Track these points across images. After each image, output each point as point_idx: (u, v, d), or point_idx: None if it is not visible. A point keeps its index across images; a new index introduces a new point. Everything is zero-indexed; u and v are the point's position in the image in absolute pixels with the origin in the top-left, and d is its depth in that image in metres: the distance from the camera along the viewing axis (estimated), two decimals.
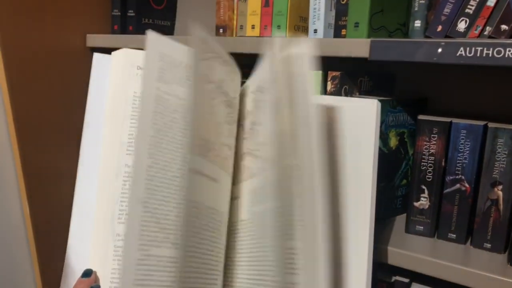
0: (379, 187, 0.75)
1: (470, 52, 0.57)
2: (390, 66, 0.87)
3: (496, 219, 0.65)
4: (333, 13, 0.73)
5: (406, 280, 0.72)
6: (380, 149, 0.73)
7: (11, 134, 0.91)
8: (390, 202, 0.78)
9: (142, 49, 0.94)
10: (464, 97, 0.81)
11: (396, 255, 0.66)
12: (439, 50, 0.58)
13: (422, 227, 0.71)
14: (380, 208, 0.77)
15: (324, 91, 0.73)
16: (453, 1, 0.63)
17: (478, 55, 0.56)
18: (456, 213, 0.69)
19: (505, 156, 0.64)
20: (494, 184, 0.65)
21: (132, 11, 1.00)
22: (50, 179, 0.98)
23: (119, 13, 1.01)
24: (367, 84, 0.78)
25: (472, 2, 0.61)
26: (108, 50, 1.03)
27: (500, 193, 0.65)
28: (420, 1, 0.69)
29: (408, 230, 0.72)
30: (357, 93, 0.75)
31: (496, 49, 0.55)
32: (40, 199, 0.96)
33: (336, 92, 0.72)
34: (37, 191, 0.95)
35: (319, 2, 0.72)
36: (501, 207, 0.65)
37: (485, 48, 0.56)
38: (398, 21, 0.73)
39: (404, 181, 0.80)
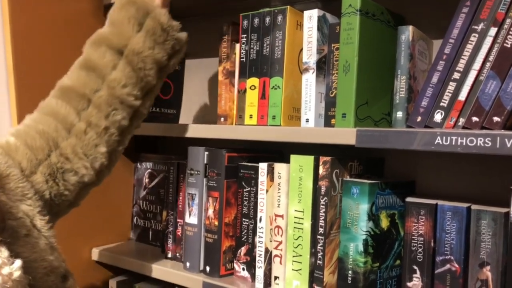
0: (373, 267, 0.77)
1: (446, 141, 0.63)
2: (379, 151, 0.93)
3: None
4: (323, 104, 0.80)
5: None
6: (372, 229, 0.77)
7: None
8: (385, 282, 0.80)
9: (149, 136, 1.01)
10: (450, 179, 0.86)
11: None
12: (418, 138, 0.64)
13: None
14: None
15: (317, 175, 0.78)
16: (429, 95, 0.70)
17: (453, 143, 0.62)
18: None
19: (489, 237, 0.67)
20: (482, 264, 0.68)
21: None
22: None
23: None
24: (357, 168, 0.83)
25: (445, 97, 0.68)
26: None
27: (489, 273, 0.67)
28: (401, 95, 0.77)
29: None
30: (348, 177, 0.80)
31: (469, 138, 0.61)
32: None
33: (328, 176, 0.77)
34: None
35: (310, 95, 0.80)
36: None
37: (459, 138, 0.62)
38: (383, 111, 0.81)
39: (398, 262, 0.82)
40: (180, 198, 0.99)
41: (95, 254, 1.07)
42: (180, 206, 0.99)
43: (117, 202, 1.14)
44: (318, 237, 0.78)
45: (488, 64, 0.66)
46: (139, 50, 0.71)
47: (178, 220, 0.99)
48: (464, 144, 0.61)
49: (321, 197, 0.78)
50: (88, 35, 1.05)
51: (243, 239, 0.89)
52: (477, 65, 0.66)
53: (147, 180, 1.13)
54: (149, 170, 1.13)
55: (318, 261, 0.78)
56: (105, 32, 0.73)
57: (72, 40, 1.01)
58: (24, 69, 0.93)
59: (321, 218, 0.78)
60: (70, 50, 1.01)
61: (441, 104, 0.69)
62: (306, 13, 0.81)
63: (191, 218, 0.93)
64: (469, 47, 0.68)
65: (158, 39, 0.73)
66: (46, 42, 0.97)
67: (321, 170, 0.78)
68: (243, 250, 0.89)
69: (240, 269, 0.89)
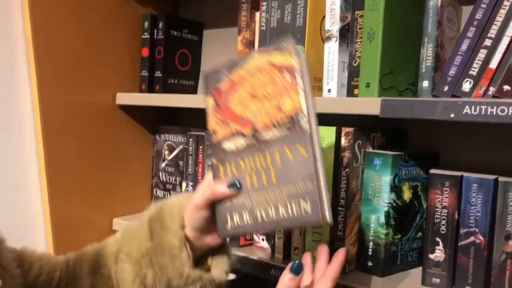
0: (394, 239, 0.76)
1: (475, 110, 0.60)
2: (402, 122, 0.91)
3: None
4: (345, 74, 0.78)
5: None
6: (394, 201, 0.76)
7: (42, 184, 0.97)
8: (406, 254, 0.79)
9: (167, 108, 1.01)
10: (475, 151, 0.84)
11: None
12: (444, 108, 0.62)
13: (438, 280, 0.72)
14: (396, 260, 0.78)
15: (339, 146, 0.77)
16: (458, 64, 0.68)
17: (482, 113, 0.60)
18: (472, 266, 0.69)
19: None
20: (508, 237, 0.67)
21: (159, 72, 1.08)
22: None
23: (147, 74, 1.09)
24: (380, 139, 0.81)
25: (475, 65, 0.66)
26: (135, 108, 1.10)
27: None
28: (427, 63, 0.74)
29: (424, 282, 0.73)
30: (370, 148, 0.79)
31: (500, 107, 0.59)
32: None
33: (350, 147, 0.76)
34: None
35: (332, 64, 0.78)
36: None
37: (489, 107, 0.59)
38: (408, 81, 0.78)
39: (420, 234, 0.81)
40: (200, 169, 0.99)
41: (116, 223, 1.09)
42: (200, 177, 0.99)
43: (137, 174, 1.15)
44: (339, 208, 0.78)
45: None
46: None
47: None
48: (494, 113, 0.59)
49: (342, 168, 0.77)
50: (111, 20, 1.06)
51: None
52: (510, 31, 0.63)
53: (166, 152, 1.14)
54: (168, 142, 1.13)
55: (339, 232, 0.78)
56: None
57: (96, 25, 1.02)
58: (45, 56, 0.94)
59: (342, 190, 0.77)
60: (95, 33, 1.02)
61: (470, 72, 0.66)
62: None
63: None
64: (502, 12, 0.64)
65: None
66: (69, 26, 0.98)
67: (343, 141, 0.77)
68: None
69: (260, 240, 0.89)
